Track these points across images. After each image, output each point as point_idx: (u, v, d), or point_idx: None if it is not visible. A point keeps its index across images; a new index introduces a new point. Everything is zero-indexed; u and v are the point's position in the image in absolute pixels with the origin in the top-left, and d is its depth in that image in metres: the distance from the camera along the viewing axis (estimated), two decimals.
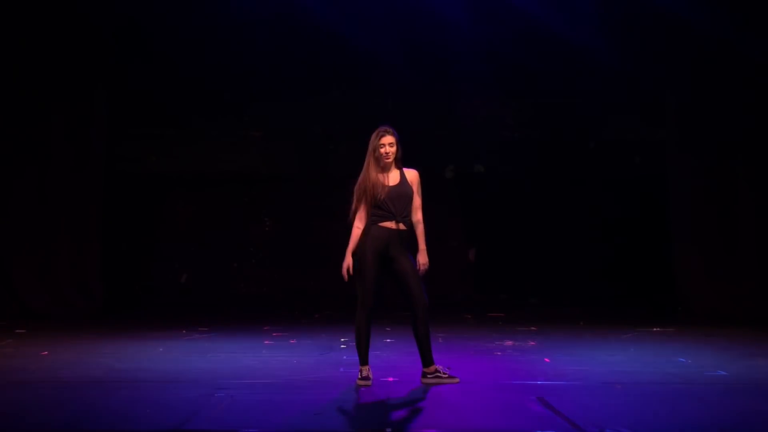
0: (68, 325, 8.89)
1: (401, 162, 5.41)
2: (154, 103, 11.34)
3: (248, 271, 11.50)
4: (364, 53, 10.92)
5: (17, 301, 9.75)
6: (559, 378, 5.49)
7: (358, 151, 5.42)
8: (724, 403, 4.74)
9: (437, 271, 10.61)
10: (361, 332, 5.27)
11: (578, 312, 9.82)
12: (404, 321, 5.54)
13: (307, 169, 11.49)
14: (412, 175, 5.40)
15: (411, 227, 5.35)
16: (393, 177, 5.34)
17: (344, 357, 6.46)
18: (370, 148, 5.34)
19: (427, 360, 5.34)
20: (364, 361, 5.31)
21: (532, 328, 8.44)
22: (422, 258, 5.28)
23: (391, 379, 5.49)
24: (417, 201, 5.38)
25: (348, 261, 5.25)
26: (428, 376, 5.33)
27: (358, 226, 5.31)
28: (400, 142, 5.38)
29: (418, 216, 5.37)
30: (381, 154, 5.29)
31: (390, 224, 5.26)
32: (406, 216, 5.31)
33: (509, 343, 7.29)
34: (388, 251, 5.24)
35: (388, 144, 5.30)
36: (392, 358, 6.37)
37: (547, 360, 6.28)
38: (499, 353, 6.73)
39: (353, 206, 5.35)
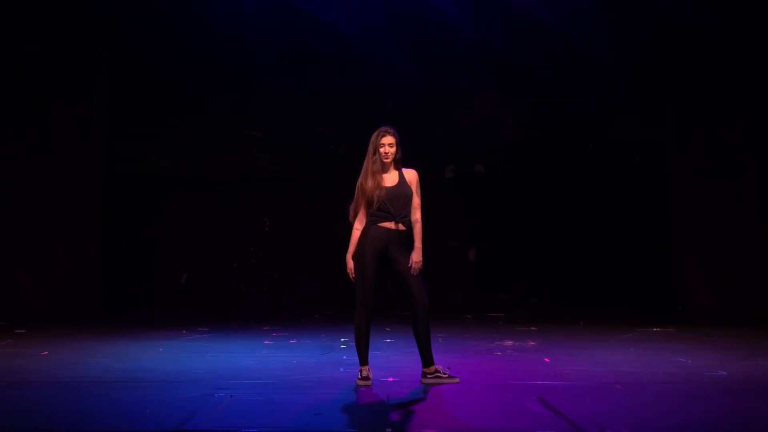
0: (68, 325, 8.89)
1: (401, 163, 5.41)
2: (154, 103, 11.35)
3: (248, 271, 11.50)
4: (365, 53, 10.93)
5: (17, 301, 9.76)
6: (559, 378, 5.48)
7: (358, 151, 5.43)
8: (724, 403, 4.74)
9: (437, 271, 10.69)
10: (360, 332, 5.28)
11: (578, 312, 9.82)
12: (404, 321, 5.55)
13: (307, 169, 11.49)
14: (411, 175, 5.40)
15: (410, 227, 5.35)
16: (392, 177, 5.35)
17: (344, 357, 6.46)
18: (370, 147, 5.35)
19: (427, 360, 5.34)
20: (364, 361, 5.31)
21: (532, 328, 8.44)
22: (416, 256, 5.27)
23: (391, 379, 5.49)
24: (416, 201, 5.38)
25: (350, 264, 5.28)
26: (428, 376, 5.33)
27: (357, 228, 5.33)
28: (401, 144, 5.38)
29: (416, 215, 5.37)
30: (381, 154, 5.30)
31: (389, 225, 5.27)
32: (405, 216, 5.31)
33: (509, 343, 7.29)
34: (387, 251, 5.24)
35: (388, 144, 5.31)
36: (392, 358, 6.37)
37: (547, 360, 6.28)
38: (499, 353, 6.73)
39: (353, 207, 5.37)
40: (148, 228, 11.44)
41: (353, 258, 5.28)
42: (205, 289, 11.37)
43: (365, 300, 5.23)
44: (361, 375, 5.28)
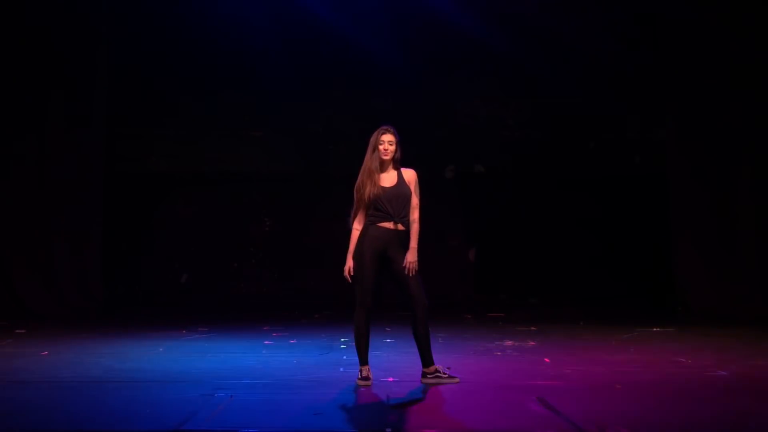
0: (68, 325, 8.89)
1: (399, 163, 5.41)
2: (153, 103, 11.36)
3: (248, 271, 11.50)
4: (365, 53, 10.93)
5: (17, 301, 9.76)
6: (559, 378, 5.48)
7: (358, 151, 5.43)
8: (724, 403, 4.73)
9: (437, 271, 10.71)
10: (360, 332, 5.27)
11: (578, 312, 9.81)
12: (404, 321, 5.54)
13: (307, 168, 11.50)
14: (409, 174, 5.40)
15: (409, 227, 5.34)
16: (390, 178, 5.34)
17: (344, 357, 6.46)
18: (370, 147, 5.36)
19: (426, 360, 5.34)
20: (363, 361, 5.31)
21: (532, 328, 8.44)
22: (410, 256, 5.25)
23: (391, 379, 5.48)
24: (414, 200, 5.38)
25: (349, 264, 5.28)
26: (428, 376, 5.32)
27: (357, 228, 5.34)
28: (401, 144, 5.38)
29: (414, 215, 5.36)
30: (380, 151, 5.30)
31: (388, 225, 5.26)
32: (404, 217, 5.30)
33: (509, 343, 7.29)
34: (386, 251, 5.24)
35: (387, 141, 5.32)
36: (392, 358, 6.37)
37: (547, 360, 6.28)
38: (499, 353, 6.72)
39: (353, 207, 5.37)
40: (148, 228, 11.45)
41: (353, 258, 5.29)
42: (205, 289, 11.38)
43: (365, 300, 5.23)
44: (361, 375, 5.28)
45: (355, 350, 5.35)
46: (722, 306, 9.50)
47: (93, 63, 10.32)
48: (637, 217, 11.27)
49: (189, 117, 11.43)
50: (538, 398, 4.75)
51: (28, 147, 10.03)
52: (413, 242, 5.29)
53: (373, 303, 5.25)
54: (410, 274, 5.21)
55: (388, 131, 5.35)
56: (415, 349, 5.38)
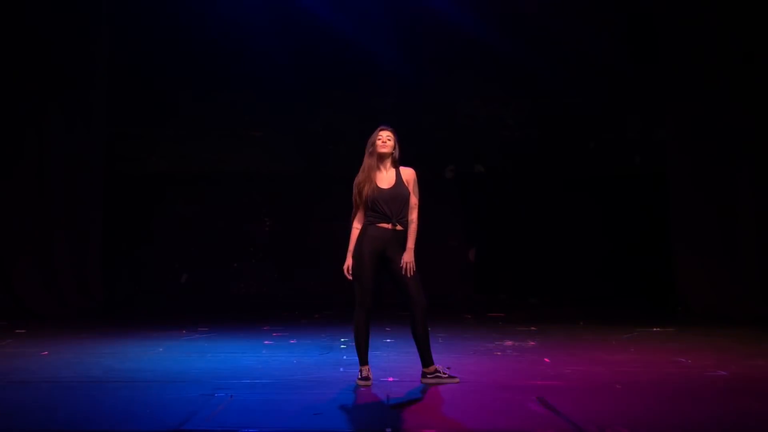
0: (68, 325, 8.89)
1: (398, 162, 5.41)
2: (154, 104, 11.37)
3: (248, 271, 11.50)
4: (365, 53, 10.94)
5: (17, 301, 9.76)
6: (559, 378, 5.48)
7: (358, 151, 5.43)
8: (724, 403, 4.73)
9: (437, 271, 10.72)
10: (359, 332, 5.27)
11: (578, 312, 9.81)
12: (404, 321, 5.54)
13: (307, 168, 11.51)
14: (408, 174, 5.39)
15: (408, 227, 5.34)
16: (389, 178, 5.34)
17: (344, 357, 6.46)
18: (368, 147, 5.36)
19: (426, 360, 5.33)
20: (363, 361, 5.31)
21: (532, 328, 8.44)
22: (407, 257, 5.24)
23: (391, 379, 5.48)
24: (413, 200, 5.37)
25: (348, 262, 5.29)
26: (428, 376, 5.32)
27: (356, 227, 5.34)
28: (399, 143, 5.38)
29: (412, 215, 5.36)
30: (378, 145, 5.30)
31: (386, 226, 5.26)
32: (402, 217, 5.30)
33: (509, 343, 7.29)
34: (385, 251, 5.24)
35: (385, 136, 5.33)
36: (392, 358, 6.37)
37: (547, 360, 6.28)
38: (499, 353, 6.72)
39: (353, 207, 5.38)
40: (148, 228, 11.45)
41: (352, 257, 5.29)
42: (205, 289, 11.38)
43: (364, 300, 5.23)
44: (361, 375, 5.28)
45: (355, 350, 5.35)
46: (722, 306, 9.50)
47: (93, 63, 10.32)
48: (637, 217, 11.28)
49: (189, 117, 11.44)
50: (538, 398, 4.75)
51: (29, 147, 10.03)
52: (410, 242, 5.28)
53: (372, 303, 5.25)
54: (408, 275, 5.21)
55: (387, 129, 5.37)
56: (415, 349, 5.38)
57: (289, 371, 5.81)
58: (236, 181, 11.54)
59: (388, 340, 7.39)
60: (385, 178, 5.34)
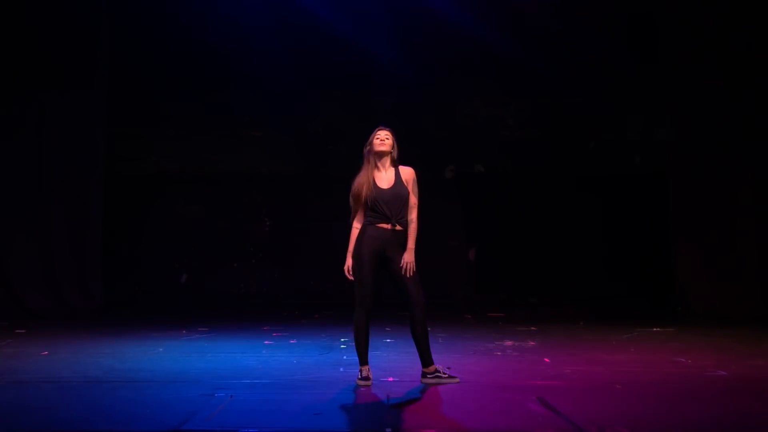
0: (68, 325, 8.89)
1: (397, 162, 5.41)
2: (154, 103, 11.37)
3: (248, 271, 11.50)
4: (365, 53, 10.94)
5: (17, 301, 9.76)
6: (559, 378, 5.48)
7: (358, 151, 5.43)
8: (724, 403, 4.73)
9: (437, 271, 10.71)
10: (359, 332, 5.27)
11: (578, 312, 9.81)
12: (404, 321, 5.54)
13: (307, 168, 11.51)
14: (407, 173, 5.39)
15: (407, 227, 5.34)
16: (388, 178, 5.34)
17: (344, 357, 6.46)
18: (366, 145, 5.37)
19: (426, 360, 5.33)
20: (363, 361, 5.31)
21: (532, 328, 8.44)
22: (408, 257, 5.24)
23: (391, 379, 5.48)
24: (412, 200, 5.37)
25: (348, 262, 5.30)
26: (428, 376, 5.32)
27: (356, 227, 5.35)
28: (398, 143, 5.39)
29: (412, 215, 5.36)
30: (375, 143, 5.31)
31: (386, 226, 5.26)
32: (401, 217, 5.30)
33: (509, 343, 7.29)
34: (385, 252, 5.24)
35: (383, 135, 5.34)
36: (392, 358, 6.37)
37: (547, 360, 6.28)
38: (499, 353, 6.72)
39: (352, 207, 5.38)
40: (148, 228, 11.45)
41: (352, 257, 5.30)
42: (205, 289, 11.38)
43: (364, 300, 5.23)
44: (361, 375, 5.28)
45: (355, 350, 5.35)
46: (722, 306, 9.50)
47: (93, 63, 10.31)
48: (637, 217, 11.28)
49: (189, 117, 11.44)
50: (538, 398, 4.75)
51: (28, 147, 10.03)
52: (410, 242, 5.29)
53: (372, 303, 5.26)
54: (408, 275, 5.21)
55: (384, 128, 5.39)
56: (415, 349, 5.38)
57: (289, 371, 5.81)
58: (236, 181, 11.54)
59: (388, 340, 7.39)
60: (385, 177, 5.35)
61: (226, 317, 9.53)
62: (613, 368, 5.90)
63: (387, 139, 5.34)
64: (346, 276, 5.34)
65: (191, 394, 4.91)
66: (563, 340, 7.53)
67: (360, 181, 5.34)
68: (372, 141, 5.36)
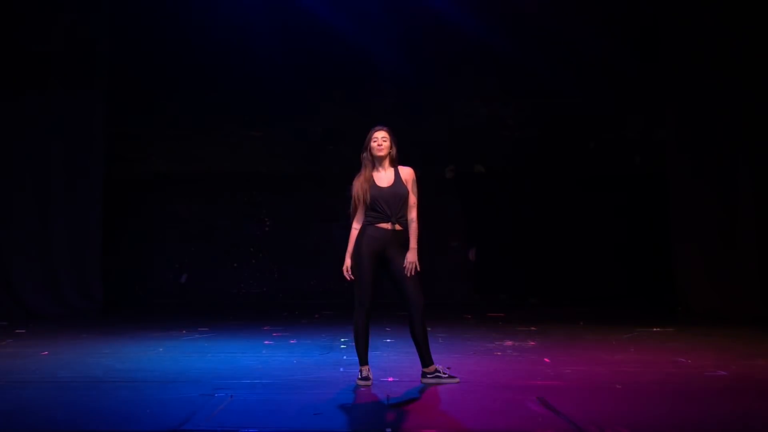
0: (68, 325, 8.89)
1: (396, 161, 5.41)
2: (154, 104, 11.37)
3: (248, 271, 11.51)
4: (365, 53, 10.94)
5: (17, 301, 9.76)
6: (559, 378, 5.48)
7: (358, 151, 5.43)
8: (724, 403, 4.73)
9: (437, 271, 10.72)
10: (359, 332, 5.27)
11: (578, 312, 9.81)
12: (404, 321, 5.54)
13: (307, 169, 11.51)
14: (406, 173, 5.40)
15: (407, 227, 5.34)
16: (387, 177, 5.35)
17: (344, 357, 6.45)
18: (364, 146, 5.37)
19: (426, 360, 5.33)
20: (363, 361, 5.31)
21: (532, 328, 8.43)
22: (411, 257, 5.25)
23: (391, 379, 5.48)
24: (412, 199, 5.38)
25: (347, 263, 5.30)
26: (428, 376, 5.32)
27: (356, 227, 5.35)
28: (396, 142, 5.39)
29: (412, 215, 5.37)
30: (373, 147, 5.31)
31: (385, 225, 5.27)
32: (401, 217, 5.30)
33: (509, 343, 7.29)
34: (384, 251, 5.25)
35: (381, 138, 5.33)
36: (392, 358, 6.37)
37: (547, 360, 6.28)
38: (499, 353, 6.72)
39: (351, 208, 5.38)
40: (148, 228, 11.45)
41: (351, 258, 5.30)
42: (205, 289, 11.38)
43: (364, 300, 5.23)
44: (360, 375, 5.28)
45: (355, 350, 5.35)
46: (722, 306, 9.50)
47: (93, 63, 10.32)
48: (637, 217, 11.28)
49: (189, 117, 11.44)
50: (538, 398, 4.75)
51: (28, 147, 10.02)
52: (413, 242, 5.29)
53: (372, 303, 5.26)
54: (410, 275, 5.21)
55: (381, 129, 5.37)
56: (415, 349, 5.38)
57: (289, 371, 5.81)
58: (236, 181, 11.54)
59: (388, 340, 7.39)
60: (384, 177, 5.35)
61: (226, 317, 9.54)
62: (613, 368, 5.90)
63: (385, 141, 5.34)
64: (345, 277, 5.34)
65: (191, 394, 4.91)
66: (563, 340, 7.53)
67: (359, 181, 5.35)
68: (370, 146, 5.34)
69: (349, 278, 5.31)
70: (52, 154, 10.10)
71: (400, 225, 5.30)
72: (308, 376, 5.59)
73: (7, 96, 10.01)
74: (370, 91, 11.37)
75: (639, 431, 4.04)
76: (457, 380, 5.32)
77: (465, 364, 5.99)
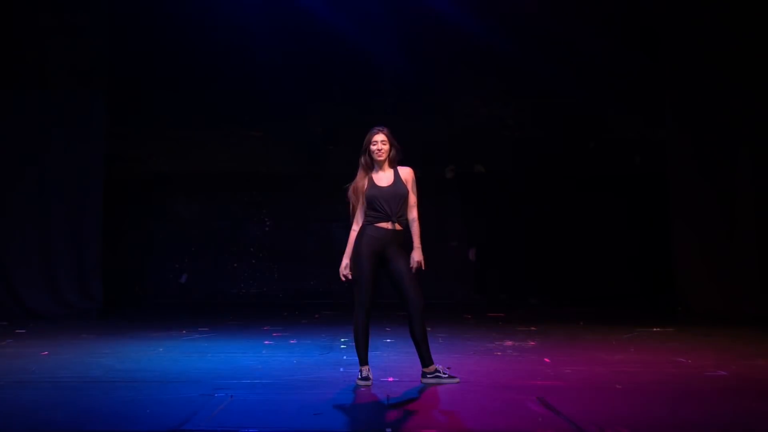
0: (68, 325, 8.89)
1: (396, 161, 5.41)
2: (154, 104, 11.37)
3: (248, 271, 11.50)
4: (365, 53, 10.94)
5: (17, 301, 9.76)
6: (559, 378, 5.48)
7: (358, 151, 5.43)
8: (724, 403, 4.74)
9: (437, 271, 10.71)
10: (359, 332, 5.27)
11: (578, 312, 9.81)
12: (404, 321, 5.54)
13: (307, 169, 11.50)
14: (406, 172, 5.40)
15: (407, 227, 5.35)
16: (387, 177, 5.35)
17: (344, 357, 6.46)
18: (363, 147, 5.37)
19: (426, 360, 5.33)
20: (363, 361, 5.31)
21: (532, 328, 8.43)
22: (417, 256, 5.27)
23: (391, 379, 5.48)
24: (412, 199, 5.39)
25: (344, 263, 5.31)
26: (428, 376, 5.32)
27: (355, 229, 5.35)
28: (396, 142, 5.39)
29: (413, 214, 5.38)
30: (373, 151, 5.32)
31: (386, 225, 5.27)
32: (401, 216, 5.31)
33: (509, 343, 7.29)
34: (384, 251, 5.25)
35: (380, 141, 5.33)
36: (392, 358, 6.37)
37: (547, 360, 6.28)
38: (499, 353, 6.72)
39: (351, 208, 5.39)
40: (147, 228, 11.45)
41: (350, 258, 5.30)
42: (205, 289, 11.38)
43: (364, 300, 5.23)
44: (361, 375, 5.28)
45: (355, 350, 5.35)
46: (722, 306, 9.50)
47: (93, 63, 10.31)
48: (637, 217, 11.27)
49: (189, 117, 11.43)
50: (538, 398, 4.75)
51: (29, 147, 10.02)
52: (417, 241, 5.32)
53: (372, 303, 5.26)
54: (415, 273, 5.22)
55: (380, 131, 5.36)
56: (415, 349, 5.38)
57: (289, 371, 5.81)
58: (236, 181, 11.54)
59: (388, 340, 7.39)
60: (383, 177, 5.36)
61: (226, 317, 9.54)
62: (613, 368, 5.90)
63: (384, 144, 5.34)
64: (341, 277, 5.34)
65: (191, 394, 4.92)
66: (563, 340, 7.53)
67: (358, 181, 5.35)
68: (369, 149, 5.34)
69: (343, 278, 5.32)
70: (51, 154, 10.09)
71: (400, 224, 5.30)
72: (308, 376, 5.59)
73: (7, 96, 10.00)
74: (370, 91, 11.37)
75: (639, 431, 4.04)
76: (457, 380, 5.32)
77: (465, 364, 5.99)
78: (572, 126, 11.47)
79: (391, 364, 6.10)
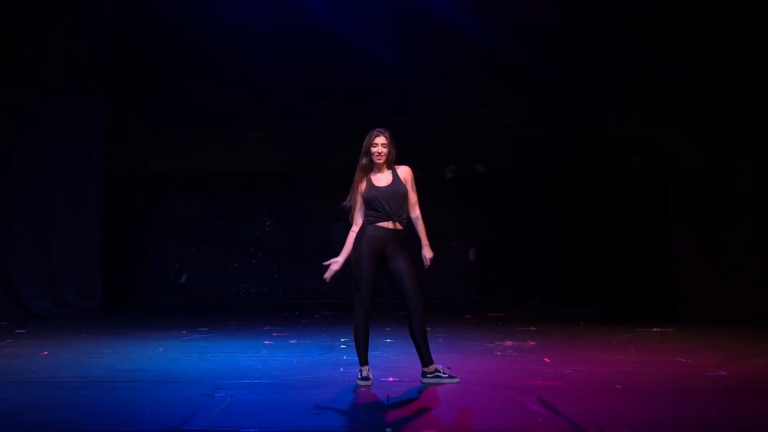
0: (68, 325, 8.89)
1: (394, 162, 5.42)
2: (154, 104, 11.37)
3: (248, 271, 11.50)
4: (365, 53, 10.94)
5: (17, 301, 9.75)
6: (559, 378, 5.48)
7: (358, 151, 5.43)
8: (724, 403, 4.74)
9: (437, 271, 10.67)
10: (359, 332, 5.27)
11: (578, 312, 9.82)
12: (404, 321, 5.54)
13: (307, 169, 11.50)
14: (404, 172, 5.40)
15: (407, 227, 5.36)
16: (386, 177, 5.36)
17: (344, 357, 6.46)
18: (363, 149, 5.37)
19: (426, 360, 5.34)
20: (363, 361, 5.31)
21: (532, 328, 8.44)
22: (427, 252, 5.34)
23: (391, 379, 5.48)
24: (413, 198, 5.40)
25: (337, 259, 5.32)
26: (428, 375, 5.32)
27: (354, 230, 5.35)
28: (395, 144, 5.39)
29: (416, 212, 5.39)
30: (373, 153, 5.32)
31: (386, 224, 5.28)
32: (402, 215, 5.32)
33: (509, 343, 7.29)
34: (384, 251, 5.25)
35: (381, 144, 5.34)
36: (392, 358, 6.37)
37: (547, 360, 6.28)
38: (499, 353, 6.73)
39: (351, 209, 5.39)
40: (148, 228, 11.45)
41: (350, 259, 5.30)
42: (204, 289, 11.38)
43: (364, 300, 5.23)
44: (361, 375, 5.28)
45: (355, 350, 5.36)
46: (722, 306, 9.50)
47: (93, 63, 10.30)
48: (637, 218, 11.27)
49: (188, 117, 11.43)
50: (538, 398, 4.75)
51: (29, 147, 10.02)
52: (425, 239, 5.38)
53: (372, 303, 5.26)
54: (426, 269, 5.31)
55: (381, 134, 5.36)
56: (415, 349, 5.38)
57: (289, 371, 5.81)
58: (236, 181, 11.54)
59: (388, 340, 7.39)
60: (382, 177, 5.37)
61: (226, 317, 9.54)
62: (613, 368, 5.90)
63: (384, 148, 5.34)
64: (338, 276, 5.34)
65: (191, 394, 4.92)
66: (563, 340, 7.53)
67: (358, 181, 5.36)
68: (369, 151, 5.34)
69: (330, 272, 5.29)
70: (51, 154, 10.09)
71: (400, 224, 5.31)
72: (308, 376, 5.59)
73: (6, 96, 10.00)
74: (370, 91, 11.37)
75: (639, 431, 4.04)
76: (457, 380, 5.33)
77: (465, 364, 6.00)
78: (572, 126, 11.47)
79: (391, 364, 6.10)
